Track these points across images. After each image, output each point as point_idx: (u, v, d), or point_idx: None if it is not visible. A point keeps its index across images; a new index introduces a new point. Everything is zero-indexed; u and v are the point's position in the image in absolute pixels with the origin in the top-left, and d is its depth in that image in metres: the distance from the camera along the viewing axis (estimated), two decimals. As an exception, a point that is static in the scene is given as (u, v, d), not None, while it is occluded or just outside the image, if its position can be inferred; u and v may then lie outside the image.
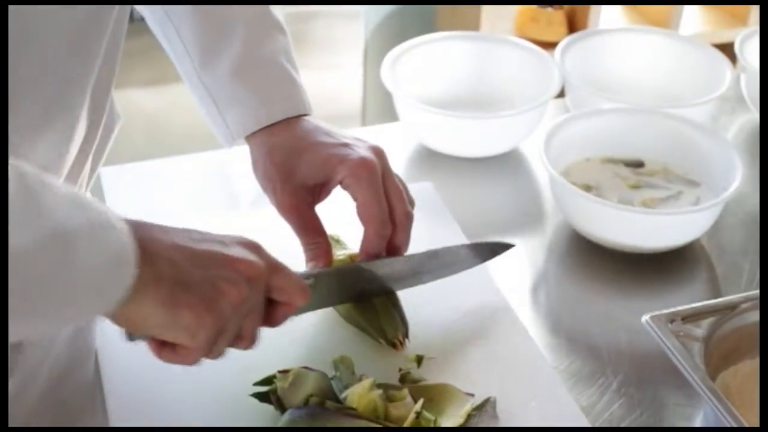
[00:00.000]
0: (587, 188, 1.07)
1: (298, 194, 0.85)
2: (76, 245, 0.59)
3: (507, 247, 0.94)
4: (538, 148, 1.04)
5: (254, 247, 0.71)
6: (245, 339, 0.71)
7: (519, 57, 1.24)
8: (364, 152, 0.84)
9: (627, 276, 1.01)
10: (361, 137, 0.87)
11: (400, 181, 0.87)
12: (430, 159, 1.17)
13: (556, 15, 2.06)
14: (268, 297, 0.72)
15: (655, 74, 1.29)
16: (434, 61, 1.24)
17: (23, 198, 0.57)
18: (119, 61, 0.82)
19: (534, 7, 2.06)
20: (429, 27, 2.20)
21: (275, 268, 0.71)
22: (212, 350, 0.68)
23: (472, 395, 0.79)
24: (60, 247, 0.58)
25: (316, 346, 0.85)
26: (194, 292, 0.65)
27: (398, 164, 1.16)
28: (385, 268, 0.85)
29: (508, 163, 1.17)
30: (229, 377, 0.80)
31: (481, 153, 1.17)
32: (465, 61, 1.25)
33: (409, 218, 0.85)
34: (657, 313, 0.91)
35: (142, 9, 0.91)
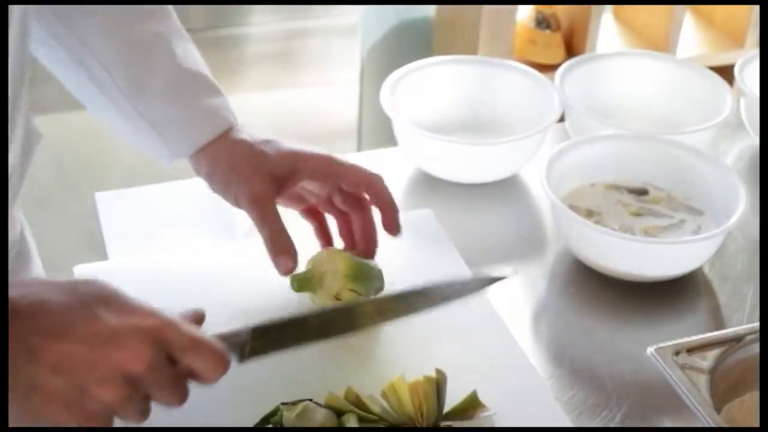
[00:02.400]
0: (590, 214, 1.06)
1: (264, 186, 0.86)
2: None
3: (498, 279, 0.86)
4: (540, 174, 1.03)
5: (156, 332, 0.62)
6: (169, 404, 0.64)
7: (519, 81, 1.23)
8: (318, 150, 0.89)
9: (629, 305, 1.00)
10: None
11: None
12: (429, 185, 1.16)
13: (554, 37, 2.06)
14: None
15: (655, 99, 1.28)
16: (433, 85, 1.23)
17: None
18: (27, 78, 0.80)
19: (532, 28, 2.06)
20: (426, 47, 2.20)
21: (182, 349, 0.63)
22: (124, 416, 0.62)
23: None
24: None
25: (306, 375, 0.84)
26: (55, 401, 0.59)
27: (397, 190, 1.15)
28: (340, 313, 0.79)
29: (509, 189, 1.16)
30: (222, 409, 0.79)
31: (481, 179, 1.16)
32: (464, 85, 1.24)
33: (379, 178, 0.90)
34: (662, 345, 0.91)
35: (48, 47, 0.88)
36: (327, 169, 0.88)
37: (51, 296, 0.61)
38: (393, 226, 0.90)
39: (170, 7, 0.91)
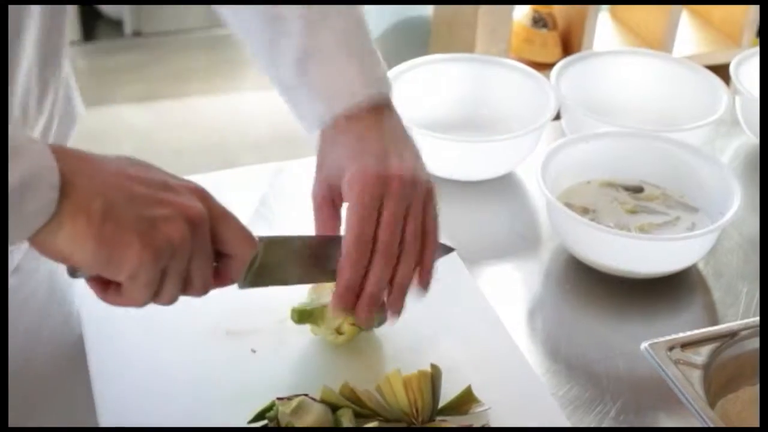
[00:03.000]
0: (585, 211, 1.06)
1: (322, 188, 0.82)
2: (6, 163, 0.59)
3: (448, 250, 0.88)
4: (536, 171, 1.04)
5: (200, 193, 0.69)
6: (194, 286, 0.69)
7: (515, 79, 1.24)
8: (381, 167, 0.78)
9: (624, 301, 1.01)
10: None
11: (435, 231, 0.81)
12: (425, 182, 1.16)
13: (550, 36, 2.07)
14: (216, 250, 0.70)
15: (651, 97, 1.29)
16: (429, 83, 1.24)
17: None
18: (66, 32, 0.80)
19: (528, 27, 2.07)
20: (423, 45, 2.20)
21: (220, 215, 0.69)
22: (160, 294, 0.67)
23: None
24: None
25: (302, 371, 0.85)
26: (129, 229, 0.64)
27: (394, 187, 1.16)
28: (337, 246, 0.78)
29: (505, 186, 1.16)
30: (220, 406, 0.79)
31: (477, 176, 1.16)
32: (460, 83, 1.25)
33: (385, 260, 0.76)
34: (656, 340, 0.91)
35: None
36: (351, 186, 0.79)
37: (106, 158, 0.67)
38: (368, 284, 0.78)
39: None
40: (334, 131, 0.81)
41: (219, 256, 0.71)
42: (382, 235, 0.76)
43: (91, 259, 0.63)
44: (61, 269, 0.68)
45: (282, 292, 0.80)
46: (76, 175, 0.63)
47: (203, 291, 0.70)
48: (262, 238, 0.74)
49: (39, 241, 0.63)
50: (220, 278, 0.72)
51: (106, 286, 0.67)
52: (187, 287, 0.69)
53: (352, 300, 0.77)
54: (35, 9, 0.74)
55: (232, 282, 0.73)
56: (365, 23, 0.86)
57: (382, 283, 0.77)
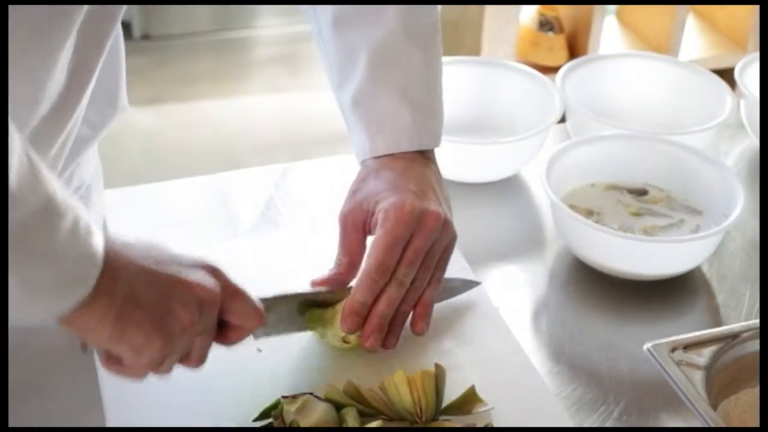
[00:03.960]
0: (590, 213, 1.07)
1: (354, 211, 0.85)
2: (61, 226, 0.61)
3: (472, 285, 0.94)
4: (540, 173, 1.04)
5: (213, 271, 0.72)
6: (193, 359, 0.72)
7: (520, 82, 1.24)
8: (419, 204, 0.83)
9: (628, 303, 1.01)
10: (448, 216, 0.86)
11: (442, 272, 0.86)
12: (431, 184, 1.17)
13: (557, 40, 2.07)
14: (223, 318, 0.73)
15: (656, 100, 1.29)
16: (436, 85, 1.24)
17: (27, 163, 0.59)
18: (117, 31, 0.82)
19: (535, 31, 2.07)
20: (429, 50, 2.21)
21: (232, 292, 0.73)
22: (159, 368, 0.70)
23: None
24: (48, 216, 0.61)
25: (306, 370, 0.85)
26: (145, 310, 0.67)
27: (399, 189, 1.16)
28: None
29: (510, 188, 1.17)
30: (226, 404, 0.80)
31: (482, 178, 1.17)
32: (466, 86, 1.25)
33: (399, 289, 0.82)
34: (659, 341, 0.92)
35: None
36: (386, 217, 0.83)
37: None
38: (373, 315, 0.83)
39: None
40: (377, 164, 0.87)
41: (223, 322, 0.74)
42: (404, 265, 0.82)
43: (108, 337, 0.67)
44: None
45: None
46: (111, 257, 0.65)
47: (200, 364, 0.74)
48: (266, 300, 0.78)
49: (65, 314, 0.65)
50: (222, 340, 0.75)
51: (110, 357, 0.70)
52: (185, 360, 0.72)
53: (360, 320, 0.82)
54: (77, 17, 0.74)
55: (232, 345, 0.76)
56: (438, 69, 0.92)
57: (392, 309, 0.82)
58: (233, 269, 0.83)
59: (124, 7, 0.80)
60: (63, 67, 0.75)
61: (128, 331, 0.66)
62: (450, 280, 0.90)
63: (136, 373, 0.70)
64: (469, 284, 0.94)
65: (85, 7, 0.73)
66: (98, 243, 0.64)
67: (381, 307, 0.82)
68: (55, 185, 0.62)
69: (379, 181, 0.85)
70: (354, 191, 0.87)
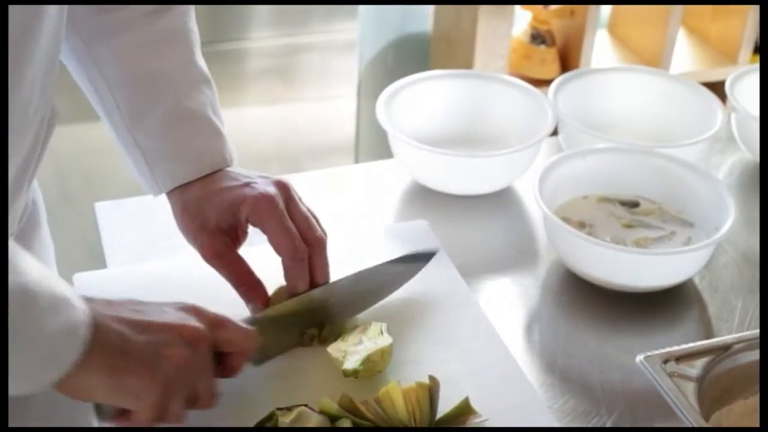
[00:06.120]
0: (582, 226, 1.07)
1: (217, 240, 0.88)
2: (38, 309, 0.65)
3: (430, 255, 0.96)
4: (533, 186, 1.05)
5: (193, 310, 0.75)
6: (202, 399, 0.75)
7: (513, 95, 1.25)
8: (263, 188, 0.87)
9: (620, 315, 1.02)
10: (268, 175, 0.91)
11: (309, 210, 0.90)
12: (424, 196, 1.17)
13: (549, 53, 2.08)
14: (219, 351, 0.76)
15: (647, 113, 1.30)
16: (429, 98, 1.25)
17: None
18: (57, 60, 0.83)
19: (527, 44, 2.08)
20: (423, 62, 2.22)
21: (217, 324, 0.76)
22: (166, 414, 0.72)
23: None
24: (25, 305, 0.64)
25: (301, 382, 0.85)
26: (136, 357, 0.70)
27: (392, 201, 1.17)
28: (319, 299, 0.88)
29: (503, 201, 1.17)
30: (220, 415, 0.81)
31: (475, 191, 1.17)
32: (459, 99, 1.26)
33: (320, 242, 0.87)
34: (651, 353, 0.92)
35: (67, 58, 0.92)
36: (259, 218, 0.87)
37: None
38: (317, 273, 0.88)
39: (192, 39, 0.93)
40: (199, 186, 0.89)
41: (221, 355, 0.77)
42: (303, 231, 0.87)
43: (107, 390, 0.69)
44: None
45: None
46: (96, 317, 0.69)
47: (212, 404, 0.76)
48: (251, 321, 0.82)
49: (59, 382, 0.67)
50: (226, 372, 0.78)
51: (122, 414, 0.72)
52: (194, 403, 0.74)
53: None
54: (49, 15, 0.75)
55: (237, 373, 0.79)
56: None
57: (326, 266, 0.89)
58: (222, 286, 0.85)
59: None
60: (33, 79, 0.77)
61: (124, 380, 0.69)
62: (409, 255, 0.94)
63: (142, 420, 0.71)
64: (427, 255, 0.96)
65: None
66: (78, 313, 0.67)
67: (321, 272, 0.88)
68: (31, 274, 0.65)
69: (221, 195, 0.87)
70: (200, 227, 0.88)
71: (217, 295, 0.94)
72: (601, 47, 2.18)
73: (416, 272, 0.95)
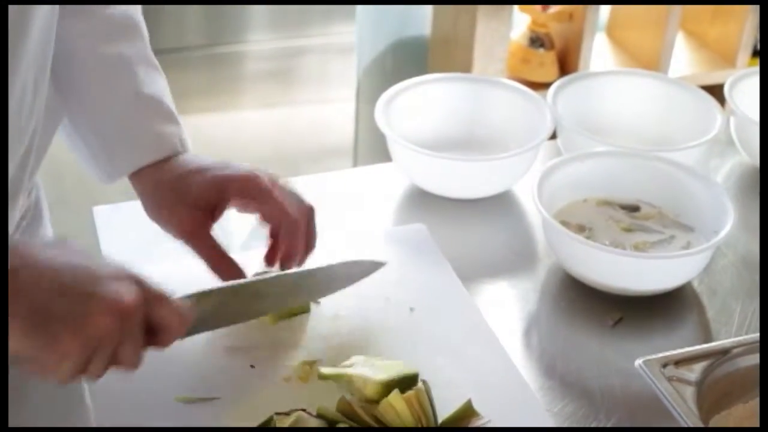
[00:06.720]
0: (581, 229, 1.07)
1: (193, 217, 0.88)
2: None
3: (378, 265, 0.95)
4: (532, 190, 1.05)
5: (134, 278, 0.72)
6: (125, 363, 0.72)
7: (512, 99, 1.25)
8: (246, 167, 0.89)
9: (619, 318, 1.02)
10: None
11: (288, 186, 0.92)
12: (422, 200, 1.17)
13: (547, 56, 2.08)
14: (151, 326, 0.74)
15: (646, 116, 1.30)
16: (427, 102, 1.25)
17: None
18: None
19: (526, 47, 2.08)
20: (421, 65, 2.22)
21: (155, 299, 0.73)
22: (86, 371, 0.70)
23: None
24: None
25: (299, 387, 0.85)
26: (57, 322, 0.67)
27: (391, 205, 1.17)
28: (266, 285, 0.87)
29: (501, 204, 1.17)
30: (218, 420, 0.80)
31: (474, 195, 1.17)
32: (458, 103, 1.26)
33: (310, 210, 0.90)
34: (650, 357, 0.92)
35: None
36: (249, 194, 0.89)
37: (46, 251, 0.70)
38: (311, 242, 0.91)
39: (144, 32, 0.95)
40: (171, 167, 0.90)
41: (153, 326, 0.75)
42: (298, 203, 0.89)
43: (29, 350, 0.67)
44: None
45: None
46: (12, 277, 0.66)
47: (133, 368, 0.74)
48: (190, 296, 0.80)
49: None
50: (155, 343, 0.75)
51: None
52: (117, 364, 0.72)
53: None
54: (40, 12, 0.76)
55: (165, 347, 0.76)
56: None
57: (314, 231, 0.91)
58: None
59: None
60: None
61: (46, 343, 0.67)
62: (357, 263, 0.93)
63: (60, 377, 0.70)
64: (375, 265, 0.95)
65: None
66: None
67: (312, 240, 0.90)
68: None
69: (203, 173, 0.88)
70: (181, 199, 0.88)
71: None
72: (599, 51, 2.18)
73: (358, 280, 0.94)
